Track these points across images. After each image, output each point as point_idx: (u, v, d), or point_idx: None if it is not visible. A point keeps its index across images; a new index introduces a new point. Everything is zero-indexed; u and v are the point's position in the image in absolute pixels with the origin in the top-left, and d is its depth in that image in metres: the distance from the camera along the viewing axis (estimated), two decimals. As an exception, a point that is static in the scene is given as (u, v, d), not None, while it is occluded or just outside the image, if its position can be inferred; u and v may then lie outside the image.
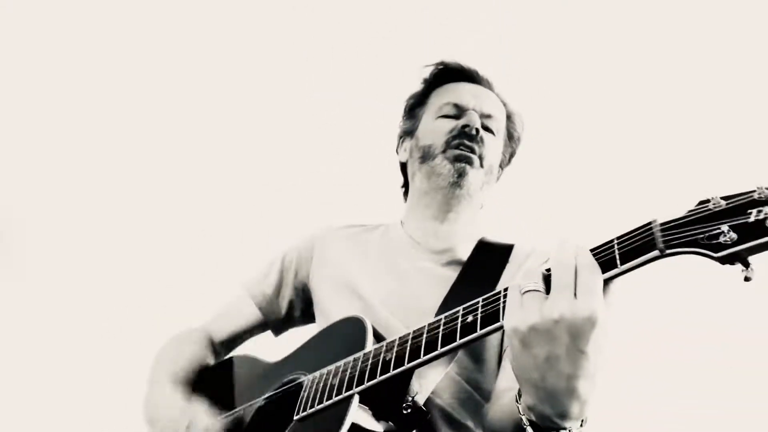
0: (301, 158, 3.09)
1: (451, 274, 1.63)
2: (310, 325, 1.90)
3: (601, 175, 2.85)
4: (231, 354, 1.87)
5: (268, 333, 1.92)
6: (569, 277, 0.98)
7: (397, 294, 1.63)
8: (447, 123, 1.75)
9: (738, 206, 0.95)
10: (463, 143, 1.71)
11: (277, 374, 1.57)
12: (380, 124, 1.94)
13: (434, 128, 1.77)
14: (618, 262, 1.02)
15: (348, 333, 1.46)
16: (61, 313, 2.88)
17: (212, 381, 1.77)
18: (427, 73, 1.89)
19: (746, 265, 0.92)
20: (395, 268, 1.71)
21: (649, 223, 1.02)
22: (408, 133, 1.87)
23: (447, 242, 1.73)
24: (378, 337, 1.42)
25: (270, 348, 1.87)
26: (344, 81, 3.00)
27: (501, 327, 1.11)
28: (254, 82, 3.14)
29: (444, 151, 1.72)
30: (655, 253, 0.99)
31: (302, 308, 1.87)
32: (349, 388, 1.28)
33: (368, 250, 1.80)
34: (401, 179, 1.96)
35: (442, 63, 1.88)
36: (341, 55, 3.06)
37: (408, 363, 1.22)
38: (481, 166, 1.73)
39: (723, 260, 0.93)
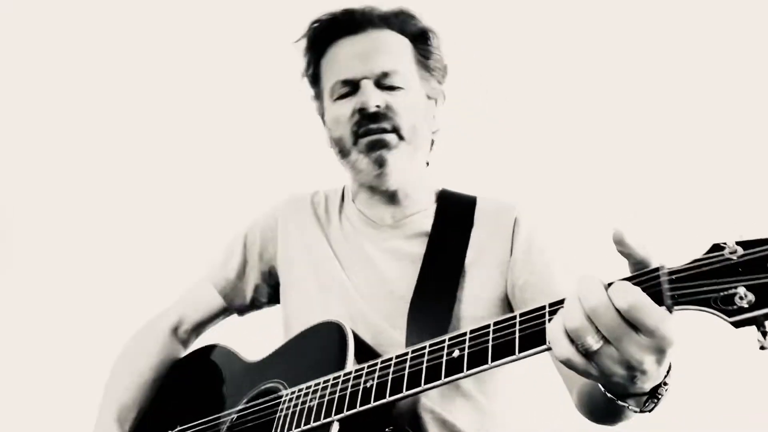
0: (258, 124, 2.98)
1: (418, 250, 1.54)
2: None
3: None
4: (204, 343, 1.79)
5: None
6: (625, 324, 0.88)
7: (368, 281, 1.55)
8: (345, 107, 1.52)
9: (757, 260, 0.85)
10: (368, 128, 1.49)
11: (253, 378, 1.51)
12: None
13: (336, 116, 1.54)
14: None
15: (328, 343, 1.38)
16: (60, 313, 2.86)
17: (183, 378, 1.71)
18: (304, 43, 1.63)
19: (764, 333, 0.83)
20: (361, 253, 1.60)
21: (656, 271, 0.92)
22: (320, 114, 1.66)
23: (403, 214, 1.61)
24: (358, 343, 1.35)
25: (242, 332, 1.83)
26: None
27: (488, 368, 1.03)
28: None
29: (355, 143, 1.52)
30: (661, 308, 0.89)
31: (269, 292, 1.77)
32: (328, 413, 1.22)
33: (331, 233, 1.67)
34: None
35: (311, 26, 1.60)
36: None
37: (389, 396, 1.15)
38: (401, 137, 1.50)
39: (737, 325, 0.84)
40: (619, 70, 2.68)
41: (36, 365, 2.81)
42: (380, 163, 1.50)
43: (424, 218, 1.59)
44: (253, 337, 1.79)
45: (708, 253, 0.90)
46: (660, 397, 0.97)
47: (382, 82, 1.50)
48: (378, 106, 1.48)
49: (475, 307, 1.46)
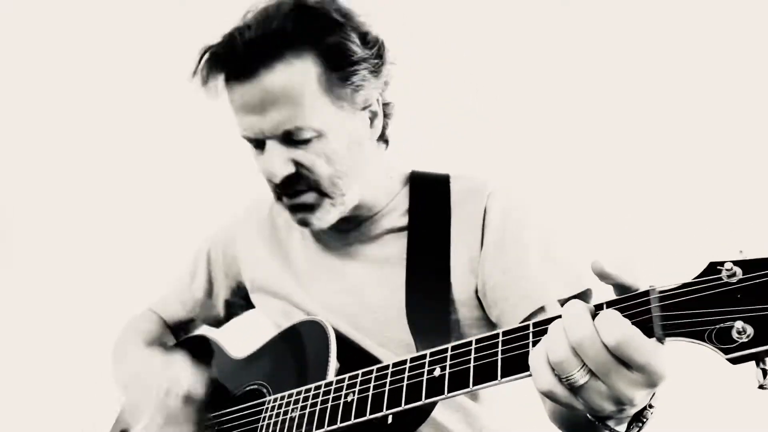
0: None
1: (388, 250, 1.40)
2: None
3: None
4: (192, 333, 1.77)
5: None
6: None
7: (337, 295, 1.43)
8: (258, 162, 1.32)
9: (757, 287, 0.77)
10: (283, 197, 1.33)
11: (238, 377, 1.48)
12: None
13: (257, 163, 1.34)
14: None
15: (310, 344, 1.34)
16: (60, 313, 2.85)
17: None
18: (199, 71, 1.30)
19: (764, 371, 0.75)
20: (325, 263, 1.47)
21: (646, 294, 0.84)
22: None
23: (368, 214, 1.44)
24: (342, 342, 1.31)
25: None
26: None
27: (468, 392, 0.97)
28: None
29: (279, 198, 1.35)
30: (651, 340, 0.81)
31: (242, 305, 1.69)
32: (309, 428, 1.17)
33: (290, 244, 1.54)
34: None
35: (201, 60, 1.28)
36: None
37: (369, 414, 1.09)
38: (322, 194, 1.31)
39: (735, 362, 0.76)
40: (614, 68, 2.53)
41: (36, 365, 2.82)
42: (305, 224, 1.35)
43: (385, 216, 1.44)
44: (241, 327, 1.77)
45: (704, 274, 0.81)
46: (645, 420, 0.90)
47: (289, 138, 1.26)
48: (286, 175, 1.27)
49: (470, 307, 1.36)
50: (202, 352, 1.63)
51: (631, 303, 0.84)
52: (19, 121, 3.00)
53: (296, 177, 1.29)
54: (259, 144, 1.29)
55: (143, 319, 1.73)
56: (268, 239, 1.58)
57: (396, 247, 1.40)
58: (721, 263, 0.80)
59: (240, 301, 1.68)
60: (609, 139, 2.47)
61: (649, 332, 0.81)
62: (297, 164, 1.28)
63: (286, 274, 1.52)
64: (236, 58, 1.22)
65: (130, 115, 2.96)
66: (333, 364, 1.26)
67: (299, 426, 1.20)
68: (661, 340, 0.80)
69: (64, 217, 2.97)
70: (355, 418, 1.11)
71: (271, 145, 1.26)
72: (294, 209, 1.34)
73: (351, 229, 1.45)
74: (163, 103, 2.83)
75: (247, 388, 1.42)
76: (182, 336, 1.75)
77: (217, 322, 1.73)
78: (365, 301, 1.40)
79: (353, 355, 1.34)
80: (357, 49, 1.26)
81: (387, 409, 1.07)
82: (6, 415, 2.75)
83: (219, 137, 2.80)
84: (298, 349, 1.37)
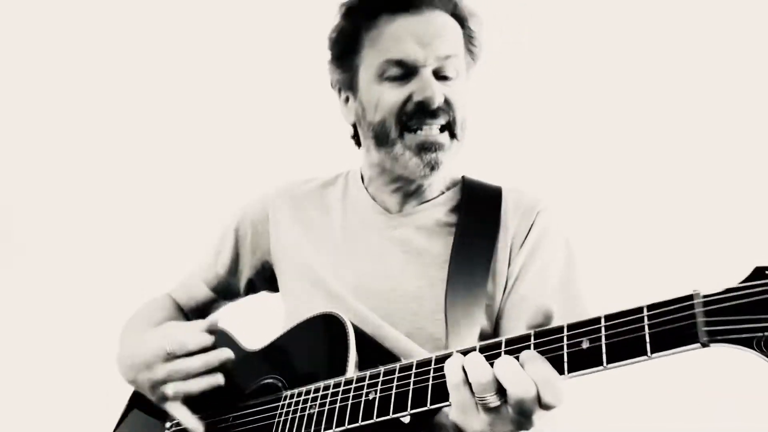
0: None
1: (426, 243, 1.43)
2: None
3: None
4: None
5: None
6: (529, 404, 0.91)
7: (373, 279, 1.43)
8: (395, 92, 1.36)
9: (808, 293, 0.74)
10: (424, 123, 1.36)
11: (253, 371, 1.44)
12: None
13: (380, 99, 1.37)
14: (648, 347, 0.82)
15: (329, 339, 1.31)
16: (60, 312, 2.84)
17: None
18: (348, 5, 1.44)
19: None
20: (365, 244, 1.48)
21: (690, 298, 0.82)
22: (348, 87, 1.48)
23: (417, 202, 1.49)
24: (359, 336, 1.27)
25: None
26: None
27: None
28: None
29: (401, 136, 1.37)
30: (696, 345, 0.79)
31: (264, 285, 1.68)
32: (329, 425, 1.15)
33: (327, 226, 1.54)
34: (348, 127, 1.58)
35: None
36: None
37: (393, 413, 1.08)
38: (453, 135, 1.39)
39: (783, 369, 0.74)
40: (628, 69, 2.52)
41: (36, 365, 2.81)
42: (433, 166, 1.38)
43: (434, 207, 1.48)
44: (252, 319, 1.74)
45: (749, 279, 0.79)
46: None
47: (439, 71, 1.36)
48: (440, 102, 1.34)
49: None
50: (216, 344, 1.61)
51: (674, 307, 0.82)
52: (19, 121, 3.00)
53: (442, 111, 1.36)
54: (405, 74, 1.36)
55: (156, 306, 1.69)
56: (303, 218, 1.57)
57: (439, 241, 1.43)
58: (765, 269, 0.78)
59: (261, 282, 1.67)
60: (644, 144, 2.46)
61: (693, 338, 0.79)
62: (445, 99, 1.36)
63: (319, 253, 1.51)
64: None
65: (130, 115, 2.96)
66: (353, 359, 1.23)
67: (318, 424, 1.17)
68: (705, 345, 0.78)
69: (64, 217, 2.96)
70: (377, 417, 1.09)
71: (425, 73, 1.35)
72: (428, 148, 1.37)
73: (403, 208, 1.49)
74: (163, 102, 2.86)
75: (262, 382, 1.39)
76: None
77: (236, 298, 1.72)
78: (401, 288, 1.40)
79: (371, 351, 1.32)
80: (478, 40, 1.46)
81: (411, 409, 1.05)
82: (6, 415, 2.73)
83: (219, 136, 2.85)
84: (315, 344, 1.34)
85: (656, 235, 2.26)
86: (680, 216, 2.29)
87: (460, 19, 1.42)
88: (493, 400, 0.92)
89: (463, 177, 1.54)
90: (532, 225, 1.41)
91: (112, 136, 2.96)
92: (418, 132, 1.37)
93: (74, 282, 2.84)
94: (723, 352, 0.80)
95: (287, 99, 2.72)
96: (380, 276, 1.43)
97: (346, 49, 1.44)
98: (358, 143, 1.55)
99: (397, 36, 1.36)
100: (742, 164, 2.28)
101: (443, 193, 1.50)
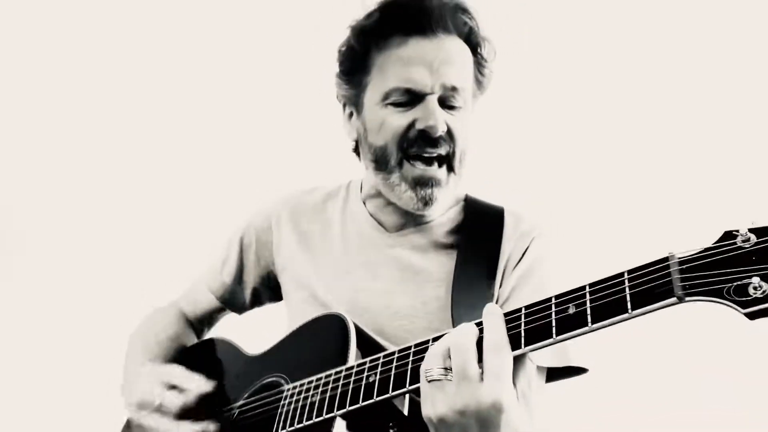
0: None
1: (421, 262, 1.46)
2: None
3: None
4: (210, 335, 1.78)
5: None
6: (471, 364, 0.97)
7: (367, 295, 1.46)
8: (399, 117, 1.37)
9: (771, 248, 0.82)
10: (425, 151, 1.37)
11: (255, 372, 1.48)
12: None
13: (383, 122, 1.38)
14: (629, 305, 0.89)
15: (330, 335, 1.35)
16: (60, 313, 2.84)
17: (189, 367, 1.68)
18: (362, 18, 1.43)
19: (780, 325, 0.80)
20: (361, 260, 1.51)
21: (666, 260, 0.89)
22: (352, 103, 1.49)
23: (415, 223, 1.50)
24: (360, 334, 1.32)
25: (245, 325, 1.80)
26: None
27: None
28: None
29: (400, 164, 1.39)
30: (672, 300, 0.86)
31: (269, 295, 1.71)
32: (330, 409, 1.19)
33: (326, 238, 1.58)
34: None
35: (379, 8, 1.41)
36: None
37: (392, 391, 1.12)
38: (450, 169, 1.40)
39: (752, 316, 0.81)
40: (621, 66, 2.63)
41: (35, 365, 2.81)
42: (427, 202, 1.40)
43: (433, 228, 1.50)
44: (257, 331, 1.78)
45: (719, 241, 0.87)
46: None
47: (445, 100, 1.37)
48: (443, 131, 1.36)
49: None
50: (215, 352, 1.65)
51: (652, 269, 0.89)
52: (19, 121, 3.02)
53: (443, 140, 1.37)
54: (411, 100, 1.37)
55: (163, 316, 1.73)
56: (303, 230, 1.61)
57: (435, 261, 1.46)
58: (736, 231, 0.86)
59: (266, 291, 1.69)
60: (624, 133, 2.55)
61: (669, 293, 0.86)
62: (447, 128, 1.37)
63: (316, 266, 1.54)
64: (427, 17, 1.36)
65: (130, 115, 2.98)
66: (353, 350, 1.27)
67: (320, 410, 1.21)
68: (681, 299, 0.85)
69: (64, 218, 2.97)
70: (377, 396, 1.13)
71: (431, 101, 1.36)
72: (424, 183, 1.39)
73: (402, 227, 1.51)
74: (170, 107, 2.89)
75: (264, 381, 1.43)
76: (205, 330, 1.76)
77: (241, 310, 1.75)
78: (395, 306, 1.43)
79: (372, 348, 1.36)
80: (488, 67, 1.46)
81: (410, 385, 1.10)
82: (6, 415, 2.71)
83: (226, 142, 2.89)
84: (316, 341, 1.37)
85: (634, 212, 2.35)
86: (656, 190, 2.41)
87: (473, 46, 1.42)
88: (436, 374, 0.99)
89: (466, 196, 1.55)
90: (526, 250, 1.43)
91: (117, 139, 2.99)
92: (417, 164, 1.38)
93: (74, 282, 2.85)
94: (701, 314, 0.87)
95: (294, 107, 2.74)
96: (374, 292, 1.45)
97: (355, 67, 1.45)
98: (359, 156, 1.59)
99: (407, 60, 1.36)
100: (711, 144, 2.41)
101: (444, 214, 1.52)
